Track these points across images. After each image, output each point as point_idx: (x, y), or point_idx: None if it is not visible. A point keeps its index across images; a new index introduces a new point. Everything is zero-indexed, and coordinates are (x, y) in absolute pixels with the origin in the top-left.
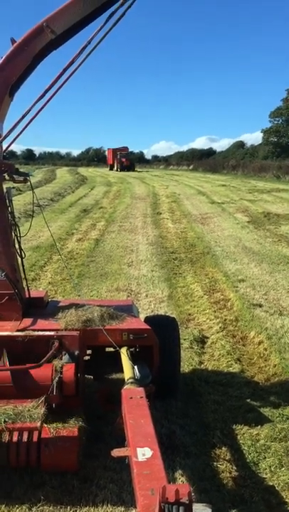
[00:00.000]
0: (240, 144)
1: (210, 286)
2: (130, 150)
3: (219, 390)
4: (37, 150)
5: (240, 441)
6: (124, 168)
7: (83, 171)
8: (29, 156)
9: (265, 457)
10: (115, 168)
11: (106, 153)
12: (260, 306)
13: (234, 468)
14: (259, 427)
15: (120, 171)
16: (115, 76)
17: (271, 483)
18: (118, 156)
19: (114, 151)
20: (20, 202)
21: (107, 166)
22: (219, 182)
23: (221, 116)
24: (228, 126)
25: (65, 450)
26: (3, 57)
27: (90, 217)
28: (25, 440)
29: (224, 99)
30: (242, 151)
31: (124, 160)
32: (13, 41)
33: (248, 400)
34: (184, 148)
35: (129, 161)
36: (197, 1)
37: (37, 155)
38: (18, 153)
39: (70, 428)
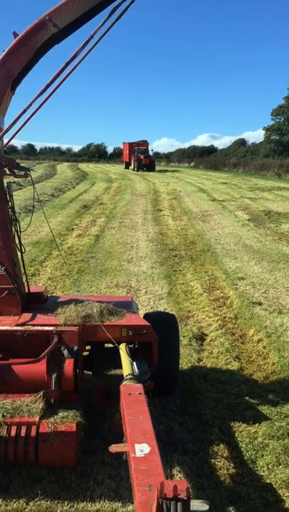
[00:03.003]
0: (242, 142)
1: (209, 284)
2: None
3: (218, 388)
4: (38, 145)
5: (238, 439)
6: (142, 167)
7: (84, 166)
8: (30, 151)
9: (263, 455)
10: (132, 166)
11: (121, 147)
12: (260, 304)
13: (232, 465)
14: (257, 424)
15: (137, 170)
16: (118, 72)
17: (269, 481)
18: (136, 153)
19: (132, 145)
20: (20, 197)
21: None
22: (220, 180)
23: (223, 113)
24: (230, 123)
25: (63, 445)
26: (5, 51)
27: (90, 213)
28: (24, 435)
29: (227, 96)
30: (243, 149)
31: (142, 157)
32: (15, 35)
33: (247, 398)
34: (186, 145)
35: (149, 158)
36: (199, 0)
37: (38, 150)
38: (19, 147)
39: (69, 423)
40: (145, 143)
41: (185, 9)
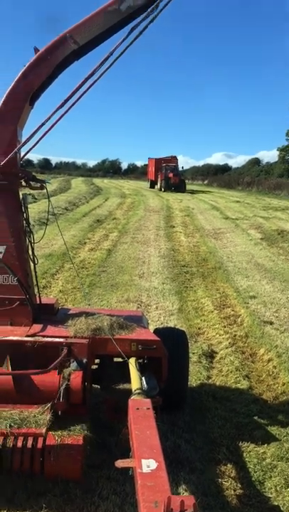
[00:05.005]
0: (256, 161)
1: (220, 301)
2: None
3: (226, 406)
4: (54, 159)
5: (246, 459)
6: (170, 186)
7: (98, 181)
8: (45, 165)
9: (271, 476)
10: (158, 185)
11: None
12: (271, 323)
13: (239, 485)
14: (266, 445)
15: (165, 190)
16: (135, 89)
17: (276, 503)
18: (163, 170)
19: (159, 162)
20: (34, 210)
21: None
22: (233, 198)
23: (239, 133)
24: (245, 143)
25: (69, 458)
26: (26, 66)
27: (103, 227)
28: (30, 446)
29: (243, 116)
30: (257, 168)
31: (171, 176)
32: (36, 50)
33: (256, 418)
34: (201, 163)
35: (178, 177)
36: (213, 20)
37: (53, 164)
38: (35, 161)
39: (75, 436)
40: (174, 159)
41: (200, 28)
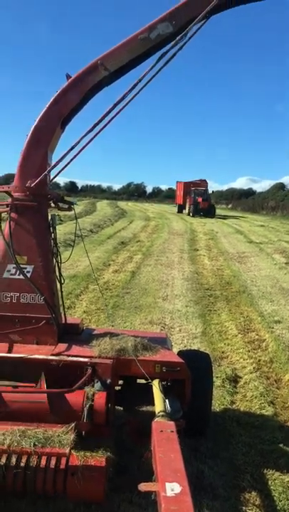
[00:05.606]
0: (281, 186)
1: (244, 325)
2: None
3: (251, 432)
4: (80, 183)
5: (271, 487)
6: (199, 211)
7: (123, 204)
8: (72, 188)
9: None
10: (186, 210)
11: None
12: None
13: None
14: None
15: (193, 215)
16: (160, 114)
17: None
18: (192, 194)
19: (187, 185)
20: (60, 231)
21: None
22: (258, 222)
23: (264, 158)
24: (270, 168)
25: (91, 480)
26: (59, 91)
27: (127, 249)
28: (53, 466)
29: (268, 141)
30: (282, 193)
31: (200, 200)
32: (68, 77)
33: (281, 445)
34: (225, 187)
35: (208, 201)
36: (240, 46)
37: (79, 187)
38: (62, 184)
39: (98, 458)
40: (204, 183)
41: (225, 51)
